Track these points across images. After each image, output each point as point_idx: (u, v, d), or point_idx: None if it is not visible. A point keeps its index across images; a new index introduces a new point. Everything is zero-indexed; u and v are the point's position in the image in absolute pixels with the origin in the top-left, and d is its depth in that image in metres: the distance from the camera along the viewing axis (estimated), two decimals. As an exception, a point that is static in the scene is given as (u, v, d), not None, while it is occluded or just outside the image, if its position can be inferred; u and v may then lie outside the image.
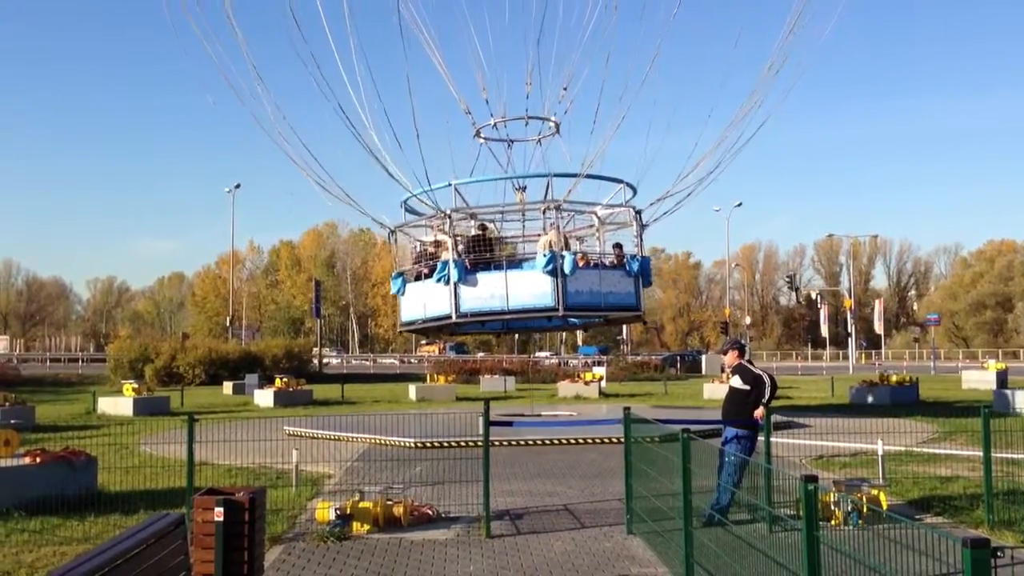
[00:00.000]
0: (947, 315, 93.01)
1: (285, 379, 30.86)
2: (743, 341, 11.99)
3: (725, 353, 10.16)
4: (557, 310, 17.89)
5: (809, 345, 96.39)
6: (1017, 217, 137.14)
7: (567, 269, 17.71)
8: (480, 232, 19.31)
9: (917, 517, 9.35)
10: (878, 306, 70.99)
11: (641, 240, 19.75)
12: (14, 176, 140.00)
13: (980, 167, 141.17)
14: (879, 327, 73.21)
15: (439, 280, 18.24)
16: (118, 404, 25.00)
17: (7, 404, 21.63)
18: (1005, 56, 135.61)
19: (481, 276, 18.25)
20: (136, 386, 26.26)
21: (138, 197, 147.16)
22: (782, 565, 5.29)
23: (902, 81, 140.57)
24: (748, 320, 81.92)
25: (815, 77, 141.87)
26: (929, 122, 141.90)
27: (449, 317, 18.32)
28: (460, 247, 18.57)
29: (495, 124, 21.31)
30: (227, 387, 36.16)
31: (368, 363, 67.36)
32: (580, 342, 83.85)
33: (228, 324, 65.43)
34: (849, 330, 66.08)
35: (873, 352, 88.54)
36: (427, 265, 18.99)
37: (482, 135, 21.43)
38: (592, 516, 9.75)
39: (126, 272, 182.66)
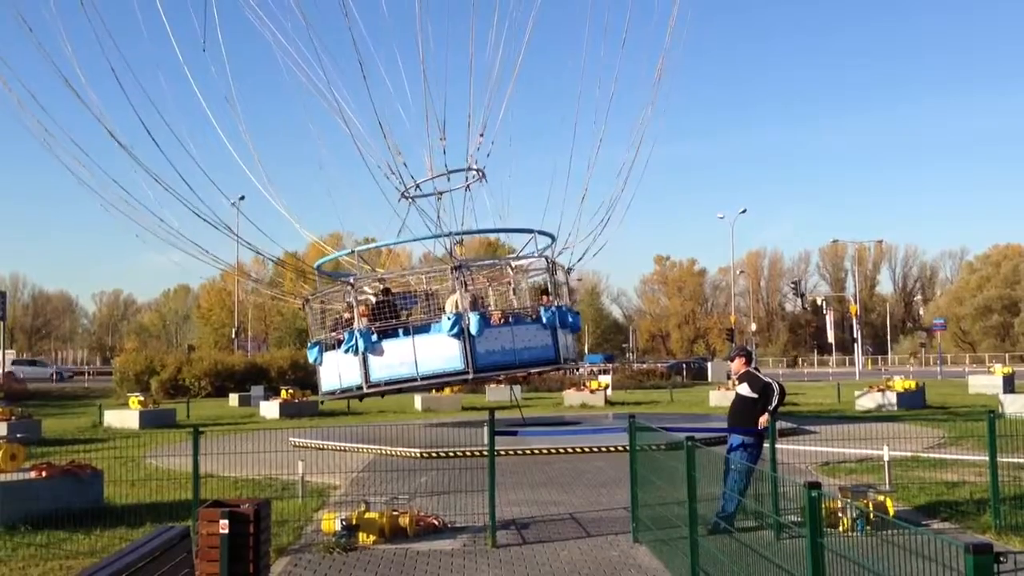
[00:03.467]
0: (953, 320, 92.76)
1: (291, 390, 30.88)
2: (750, 348, 11.90)
3: (732, 360, 10.15)
4: (467, 373, 17.39)
5: (815, 351, 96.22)
6: (1022, 221, 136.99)
7: (474, 330, 17.14)
8: (383, 297, 18.69)
9: (924, 523, 9.32)
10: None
11: (557, 288, 19.15)
12: (19, 190, 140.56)
13: (985, 171, 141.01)
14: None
15: (347, 351, 17.71)
16: (124, 417, 25.03)
17: (13, 418, 21.67)
18: (1009, 59, 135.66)
19: (388, 344, 17.62)
20: (142, 399, 26.31)
21: (143, 210, 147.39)
22: (788, 572, 5.28)
23: (906, 85, 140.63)
24: (754, 327, 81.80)
25: (817, 83, 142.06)
26: (933, 126, 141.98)
27: (361, 387, 17.87)
28: (364, 318, 17.93)
29: (417, 185, 21.07)
30: (233, 399, 36.20)
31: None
32: (586, 350, 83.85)
33: (234, 336, 65.50)
34: (855, 336, 66.01)
35: (879, 357, 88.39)
36: (342, 332, 18.40)
37: (408, 194, 21.15)
38: (598, 525, 9.73)
39: (132, 285, 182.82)
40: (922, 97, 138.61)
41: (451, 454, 15.35)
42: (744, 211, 68.80)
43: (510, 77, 20.52)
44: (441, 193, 21.34)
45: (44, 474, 10.51)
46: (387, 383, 17.85)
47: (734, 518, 7.45)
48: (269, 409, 28.73)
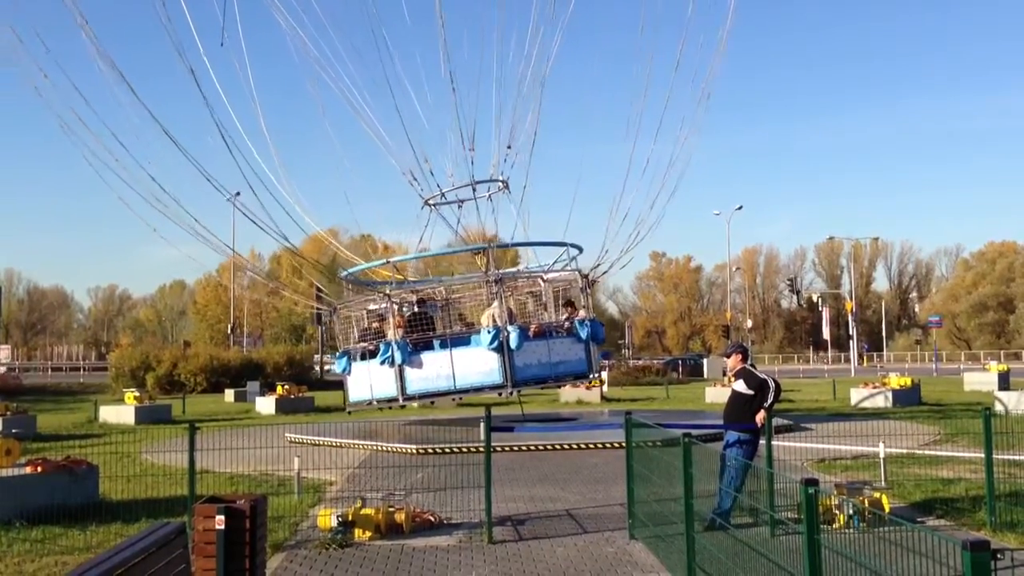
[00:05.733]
0: (949, 317, 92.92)
1: (287, 386, 30.85)
2: (746, 345, 12.02)
3: (729, 356, 10.16)
4: (506, 386, 17.47)
5: (811, 348, 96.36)
6: (1018, 218, 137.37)
7: (513, 344, 17.21)
8: (418, 308, 18.75)
9: (919, 520, 9.33)
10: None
11: (589, 302, 19.37)
12: (15, 185, 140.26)
13: (980, 168, 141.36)
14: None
15: (383, 362, 17.69)
16: (120, 413, 25.00)
17: (8, 413, 21.63)
18: (1004, 57, 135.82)
19: (426, 356, 17.67)
20: (138, 394, 26.25)
21: (138, 204, 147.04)
22: (784, 569, 5.29)
23: (903, 83, 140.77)
24: (750, 323, 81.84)
25: (813, 81, 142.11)
26: (928, 124, 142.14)
27: (396, 399, 17.89)
28: (399, 330, 17.92)
29: (443, 194, 21.05)
30: (229, 395, 36.18)
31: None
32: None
33: (229, 332, 65.46)
34: (851, 333, 66.08)
35: (875, 354, 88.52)
36: (372, 343, 18.35)
37: (430, 203, 21.19)
38: (594, 521, 9.74)
39: (127, 280, 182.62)
40: (919, 95, 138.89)
41: (447, 450, 15.35)
42: (740, 208, 68.90)
43: (539, 87, 20.37)
44: (463, 202, 21.40)
45: (39, 469, 10.49)
46: (423, 395, 17.89)
47: (730, 514, 7.47)
48: (265, 405, 28.71)
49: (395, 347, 17.48)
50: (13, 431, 18.54)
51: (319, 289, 20.29)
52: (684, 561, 6.66)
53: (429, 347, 17.84)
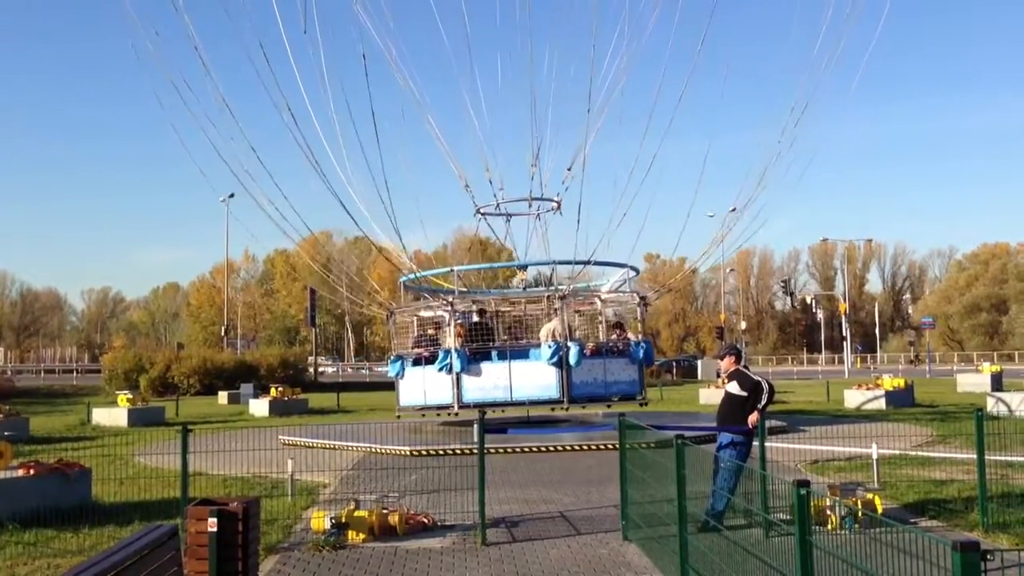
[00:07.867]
0: (942, 318, 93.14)
1: (280, 388, 30.80)
2: (739, 347, 12.15)
3: (722, 358, 10.18)
4: (562, 402, 17.72)
5: (805, 349, 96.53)
6: (1011, 220, 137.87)
7: (572, 361, 17.43)
8: (479, 318, 19.03)
9: (912, 521, 9.35)
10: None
11: (644, 323, 19.84)
12: (8, 187, 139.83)
13: (974, 170, 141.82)
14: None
15: (441, 369, 17.88)
16: (113, 415, 24.94)
17: (1, 416, 21.55)
18: (999, 59, 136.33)
19: (484, 366, 17.91)
20: (131, 397, 26.21)
21: (133, 207, 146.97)
22: (776, 570, 5.30)
23: (895, 85, 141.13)
24: (743, 325, 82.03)
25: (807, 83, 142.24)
26: (922, 125, 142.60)
27: (451, 407, 18.10)
28: (459, 338, 18.11)
29: (498, 205, 21.30)
30: (222, 397, 36.13)
31: (364, 371, 67.16)
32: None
33: (223, 334, 65.29)
34: (844, 334, 66.22)
35: (868, 356, 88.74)
36: (427, 349, 18.52)
37: (482, 211, 21.49)
38: (588, 523, 9.74)
39: (121, 282, 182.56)
40: (912, 96, 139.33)
41: (441, 452, 15.34)
42: (734, 210, 68.91)
43: (605, 113, 20.56)
44: (511, 215, 21.67)
45: (32, 472, 10.46)
46: (478, 405, 18.00)
47: (723, 516, 7.47)
48: (258, 407, 28.68)
49: (454, 355, 17.59)
50: (6, 433, 18.43)
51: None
52: (677, 562, 6.67)
53: (487, 357, 18.04)
